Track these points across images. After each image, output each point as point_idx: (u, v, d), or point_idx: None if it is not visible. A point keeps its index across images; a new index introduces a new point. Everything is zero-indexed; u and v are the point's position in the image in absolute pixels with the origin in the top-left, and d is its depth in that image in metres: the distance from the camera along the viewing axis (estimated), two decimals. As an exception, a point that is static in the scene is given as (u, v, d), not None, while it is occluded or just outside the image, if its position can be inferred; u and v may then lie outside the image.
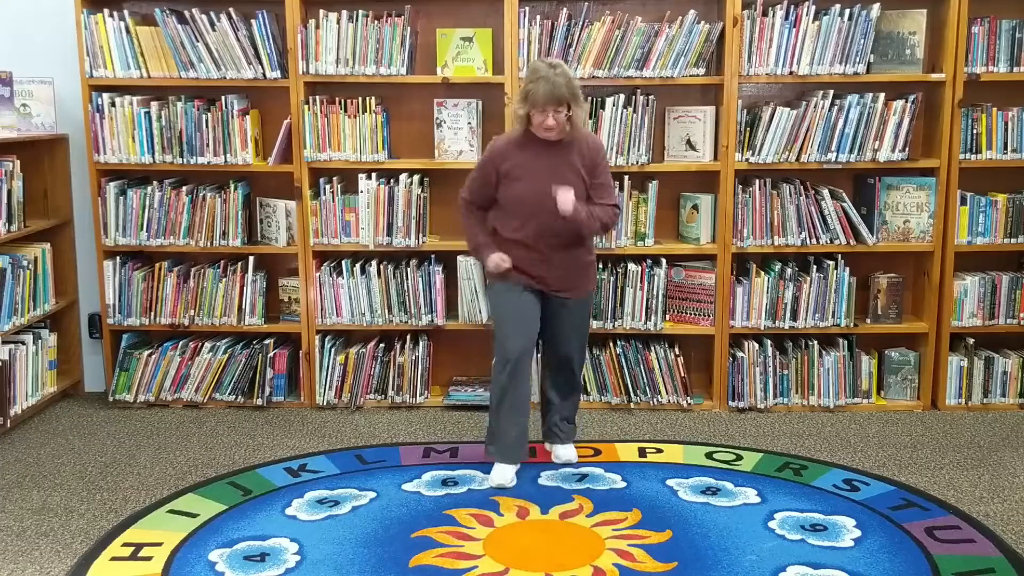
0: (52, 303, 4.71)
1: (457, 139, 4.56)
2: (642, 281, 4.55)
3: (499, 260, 3.69)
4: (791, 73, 4.42)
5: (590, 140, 3.75)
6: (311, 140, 4.51)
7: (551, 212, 3.56)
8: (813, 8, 4.38)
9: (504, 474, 3.75)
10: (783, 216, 4.51)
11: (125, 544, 3.30)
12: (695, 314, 4.66)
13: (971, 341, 4.63)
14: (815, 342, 4.60)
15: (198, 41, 4.44)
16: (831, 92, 4.43)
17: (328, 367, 4.66)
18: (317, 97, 4.51)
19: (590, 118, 4.44)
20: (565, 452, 3.97)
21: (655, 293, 4.56)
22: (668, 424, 4.47)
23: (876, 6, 4.35)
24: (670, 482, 3.78)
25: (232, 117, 4.52)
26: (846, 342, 4.62)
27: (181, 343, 4.70)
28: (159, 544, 3.29)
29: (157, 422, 4.51)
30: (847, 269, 4.55)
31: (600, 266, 4.54)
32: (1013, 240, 4.57)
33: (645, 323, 4.60)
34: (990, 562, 3.15)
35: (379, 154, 4.53)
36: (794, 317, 4.58)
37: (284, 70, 4.51)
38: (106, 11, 4.48)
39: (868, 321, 4.65)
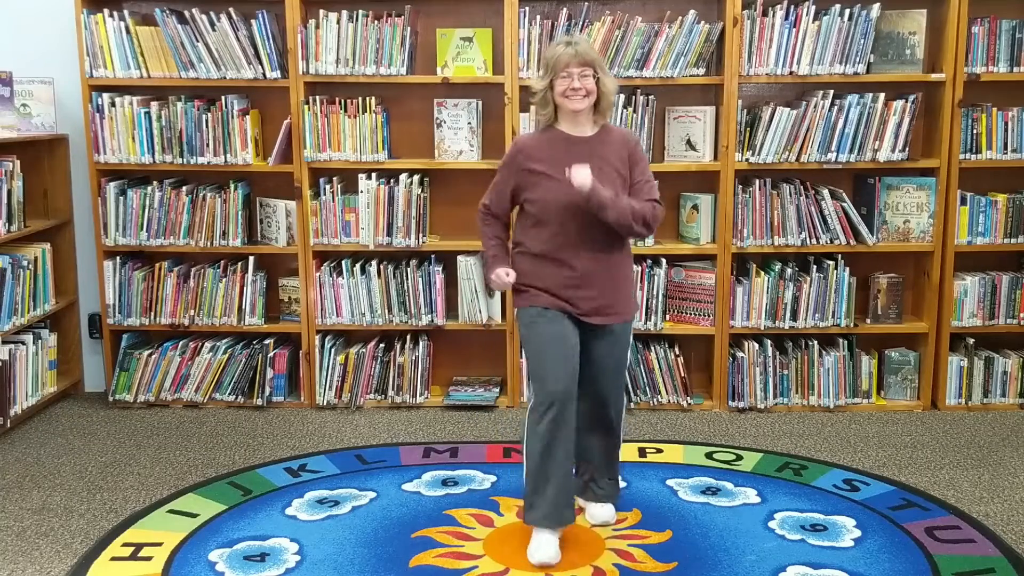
0: (52, 303, 4.70)
1: (457, 139, 4.56)
2: (642, 281, 4.55)
3: (502, 274, 3.19)
4: (791, 73, 4.42)
5: (626, 133, 3.31)
6: (311, 140, 4.51)
7: (585, 220, 3.09)
8: (813, 8, 4.38)
9: (546, 549, 3.12)
10: (783, 216, 4.51)
11: (125, 544, 3.30)
12: (695, 314, 4.66)
13: (971, 341, 4.63)
14: (815, 342, 4.60)
15: (198, 41, 4.44)
16: (831, 92, 4.43)
17: (328, 367, 4.66)
18: (317, 97, 4.51)
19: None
20: (602, 512, 3.41)
21: (655, 293, 4.56)
22: (668, 424, 4.47)
23: (876, 6, 4.35)
24: (670, 482, 3.78)
25: (232, 117, 4.52)
26: (846, 342, 4.62)
27: (181, 343, 4.70)
28: (159, 544, 3.29)
29: (157, 422, 4.51)
30: (847, 269, 4.55)
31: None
32: (1013, 240, 4.57)
33: (645, 323, 4.59)
34: (990, 562, 3.15)
35: (379, 154, 4.53)
36: (794, 317, 4.58)
37: (284, 70, 4.51)
38: (106, 11, 4.48)
39: (868, 321, 4.65)
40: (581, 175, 2.99)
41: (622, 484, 3.72)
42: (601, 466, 3.40)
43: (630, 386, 4.60)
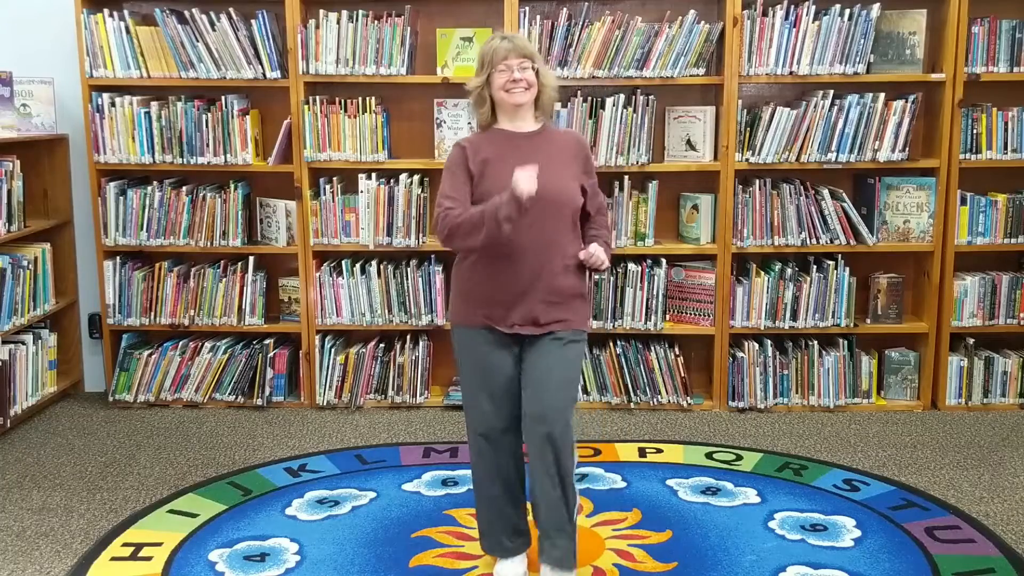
0: (52, 303, 4.70)
1: (457, 139, 4.55)
2: (642, 281, 4.55)
3: (526, 174, 2.70)
4: (791, 73, 4.42)
5: (576, 136, 3.17)
6: (311, 140, 4.51)
7: (537, 214, 2.80)
8: (813, 8, 4.37)
9: (511, 569, 3.02)
10: (783, 216, 4.51)
11: (125, 544, 3.30)
12: (695, 314, 4.65)
13: (971, 341, 4.63)
14: (815, 342, 4.60)
15: (198, 41, 4.44)
16: (831, 92, 4.42)
17: (328, 367, 4.66)
18: (317, 97, 4.51)
19: (590, 118, 4.45)
20: None
21: (655, 293, 4.56)
22: (668, 424, 4.47)
23: (876, 6, 4.35)
24: (670, 482, 3.78)
25: (232, 117, 4.52)
26: (846, 342, 4.62)
27: (181, 343, 4.70)
28: (159, 544, 3.29)
29: (157, 422, 4.51)
30: (847, 269, 4.55)
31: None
32: (1013, 240, 4.57)
33: (645, 323, 4.59)
34: (990, 562, 3.15)
35: (379, 154, 4.54)
36: (794, 317, 4.58)
37: (284, 70, 4.51)
38: (106, 11, 4.48)
39: (868, 321, 4.65)
40: (599, 255, 2.90)
41: (623, 484, 3.74)
42: (553, 517, 2.91)
43: (630, 386, 4.60)
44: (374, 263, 4.62)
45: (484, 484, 3.01)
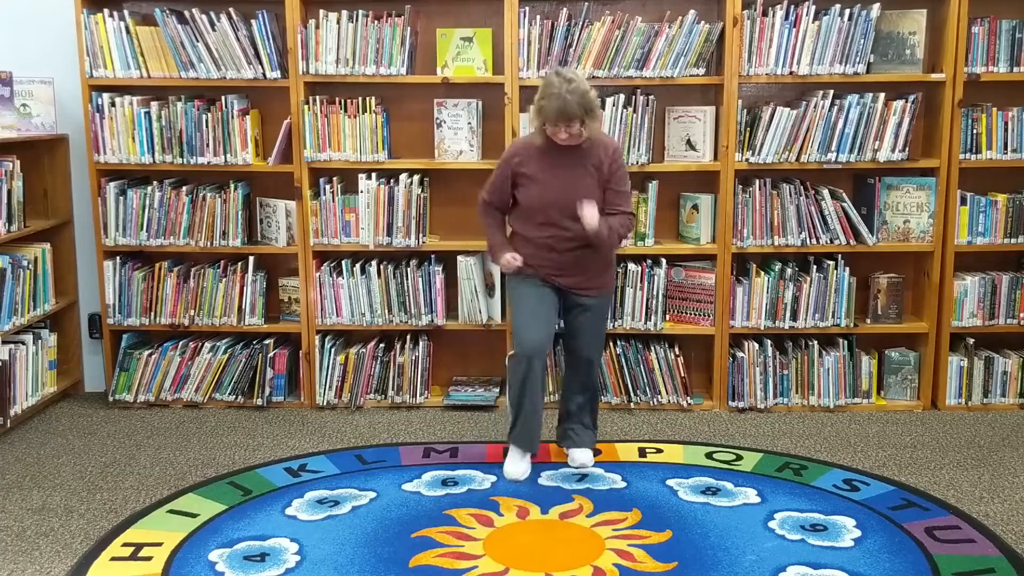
0: (52, 303, 4.70)
1: (457, 139, 4.56)
2: (642, 281, 4.55)
3: (510, 259, 3.74)
4: (791, 73, 4.42)
5: (609, 145, 3.74)
6: (311, 140, 4.51)
7: (566, 217, 3.62)
8: (813, 8, 4.38)
9: (518, 466, 3.81)
10: (783, 216, 4.51)
11: (125, 544, 3.30)
12: (695, 314, 4.66)
13: (971, 341, 4.63)
14: (815, 342, 4.60)
15: (198, 41, 4.44)
16: (831, 92, 4.43)
17: (328, 367, 4.66)
18: (317, 97, 4.51)
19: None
20: (580, 455, 3.92)
21: (655, 293, 4.56)
22: (668, 424, 4.47)
23: (876, 6, 4.35)
24: (670, 482, 3.78)
25: (232, 117, 4.52)
26: (846, 342, 4.62)
27: (181, 343, 4.70)
28: (159, 544, 3.29)
29: (157, 422, 4.52)
30: (847, 269, 4.55)
31: (601, 266, 4.55)
32: (1013, 240, 4.57)
33: (645, 323, 4.60)
34: (990, 562, 3.15)
35: (379, 154, 4.54)
36: (794, 317, 4.58)
37: (284, 70, 4.51)
38: (106, 11, 4.48)
39: (868, 321, 4.65)
40: (592, 216, 3.54)
41: (622, 484, 3.75)
42: (581, 416, 3.95)
43: (630, 386, 4.60)
44: (374, 263, 4.63)
45: (524, 397, 3.75)
